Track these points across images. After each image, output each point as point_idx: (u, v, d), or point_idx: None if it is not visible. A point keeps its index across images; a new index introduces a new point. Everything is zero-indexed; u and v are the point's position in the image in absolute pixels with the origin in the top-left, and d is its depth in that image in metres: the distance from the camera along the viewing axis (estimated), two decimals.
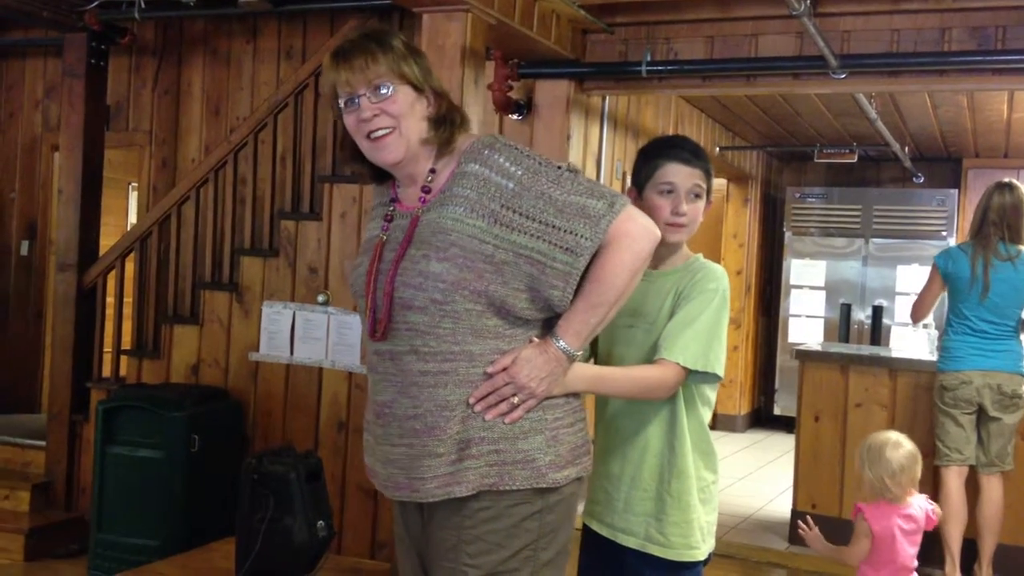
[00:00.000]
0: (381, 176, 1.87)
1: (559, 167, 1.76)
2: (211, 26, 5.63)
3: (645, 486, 2.03)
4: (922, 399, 4.53)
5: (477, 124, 3.85)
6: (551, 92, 4.69)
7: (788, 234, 8.24)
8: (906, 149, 7.28)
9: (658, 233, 1.78)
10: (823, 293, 8.10)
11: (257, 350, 4.63)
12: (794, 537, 4.37)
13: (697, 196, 2.06)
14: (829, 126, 7.14)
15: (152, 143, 5.82)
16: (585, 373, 1.85)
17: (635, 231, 1.74)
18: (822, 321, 8.08)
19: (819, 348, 5.30)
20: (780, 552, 4.54)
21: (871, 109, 5.61)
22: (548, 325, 1.79)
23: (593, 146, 5.09)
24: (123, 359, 5.09)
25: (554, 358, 1.74)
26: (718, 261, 7.97)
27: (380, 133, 1.75)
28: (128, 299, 5.13)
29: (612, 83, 4.71)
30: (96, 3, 4.99)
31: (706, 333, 1.94)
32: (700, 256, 2.10)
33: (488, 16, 3.81)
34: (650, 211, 2.02)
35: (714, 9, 4.38)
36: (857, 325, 7.98)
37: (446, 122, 1.79)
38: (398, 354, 1.74)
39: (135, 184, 6.57)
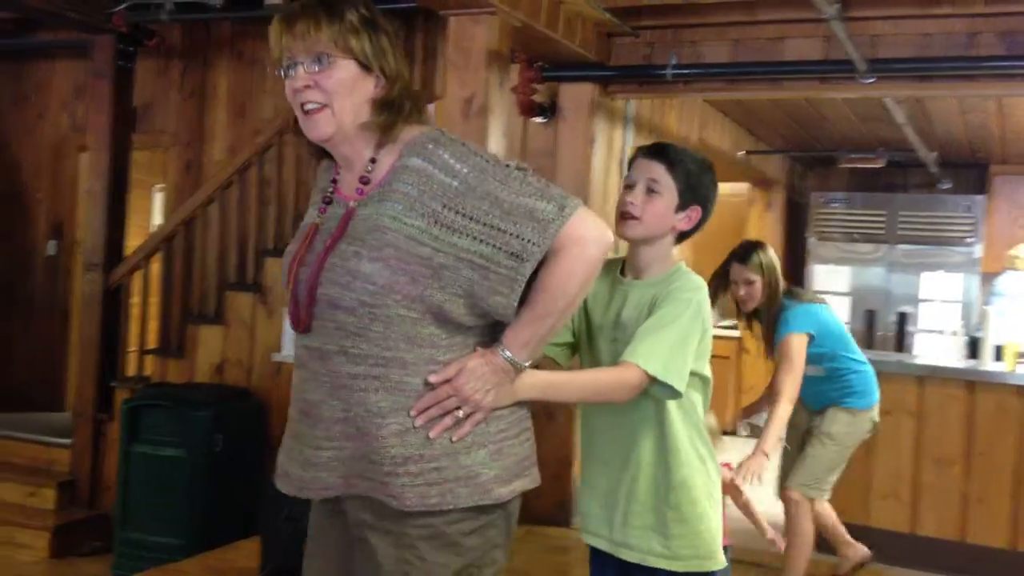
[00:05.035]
0: (324, 150, 1.73)
1: (507, 165, 1.63)
2: (237, 29, 5.67)
3: (642, 499, 1.97)
4: (950, 407, 4.49)
5: (502, 127, 3.84)
6: (575, 95, 4.69)
7: (812, 239, 8.18)
8: (933, 154, 7.22)
9: (611, 239, 1.66)
10: (848, 299, 8.04)
11: (280, 351, 4.65)
12: (820, 545, 4.32)
13: (653, 191, 1.97)
14: (855, 130, 7.09)
15: (178, 145, 5.86)
16: (534, 380, 1.72)
17: (587, 236, 1.61)
18: (846, 328, 8.01)
19: None
20: None
21: (899, 114, 5.57)
22: (492, 333, 1.67)
23: (617, 150, 5.07)
24: (148, 359, 5.13)
25: (500, 369, 1.63)
26: None
27: (311, 107, 1.62)
28: (153, 299, 5.16)
29: (636, 86, 4.69)
30: (124, 5, 5.05)
31: (671, 342, 1.86)
32: (682, 265, 2.03)
33: (514, 19, 3.81)
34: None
35: (740, 12, 4.37)
36: (882, 332, 7.92)
37: (392, 108, 1.65)
38: (328, 353, 1.62)
39: (160, 185, 6.62)
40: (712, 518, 1.99)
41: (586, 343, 2.08)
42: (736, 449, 3.88)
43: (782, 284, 3.47)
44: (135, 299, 5.19)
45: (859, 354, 3.69)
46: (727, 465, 3.04)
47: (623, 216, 1.99)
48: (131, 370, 5.18)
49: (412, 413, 1.60)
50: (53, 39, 6.05)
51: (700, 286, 1.96)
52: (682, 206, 1.99)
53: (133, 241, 5.50)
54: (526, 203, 1.58)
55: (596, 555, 2.10)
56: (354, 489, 1.65)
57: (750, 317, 3.58)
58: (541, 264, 1.60)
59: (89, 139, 5.33)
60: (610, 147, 4.99)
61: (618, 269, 2.06)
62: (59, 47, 6.08)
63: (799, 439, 3.73)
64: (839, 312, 7.86)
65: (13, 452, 5.26)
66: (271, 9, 4.93)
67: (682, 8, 4.36)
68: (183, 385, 4.78)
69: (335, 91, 1.61)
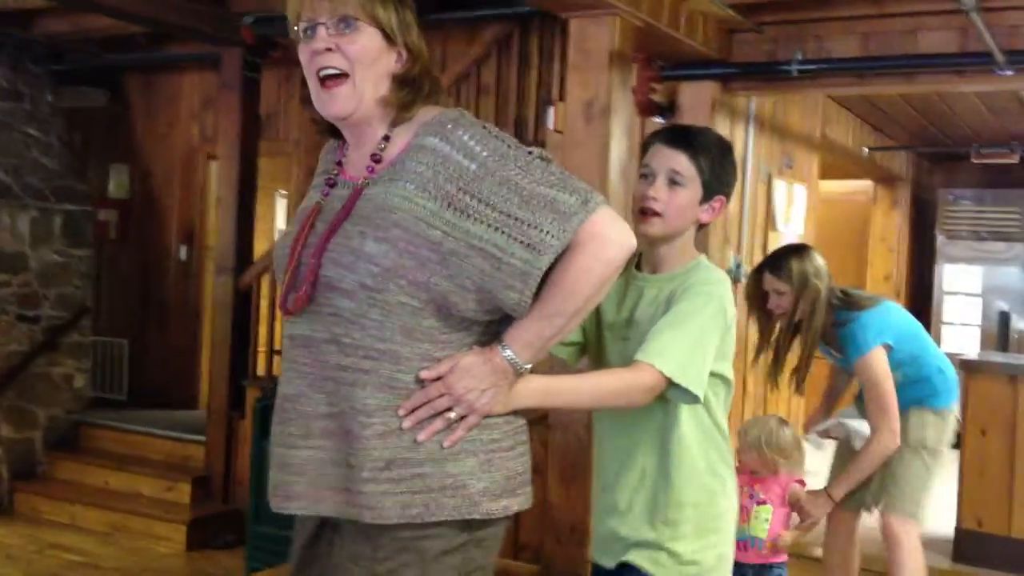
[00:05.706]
0: (335, 131, 1.63)
1: (530, 152, 1.52)
2: None
3: (638, 514, 1.81)
4: None
5: (624, 128, 3.82)
6: (696, 94, 4.61)
7: (940, 238, 7.87)
8: None
9: (634, 242, 1.53)
10: (979, 300, 7.70)
11: None
12: (958, 555, 4.17)
13: (676, 183, 1.81)
14: (985, 124, 6.78)
15: (300, 151, 6.02)
16: (532, 386, 1.56)
17: (609, 235, 1.48)
18: (978, 329, 7.68)
19: (985, 358, 5.03)
20: (944, 570, 4.31)
21: None
22: (491, 333, 1.54)
23: (738, 148, 4.99)
24: (277, 359, 5.29)
25: (499, 369, 1.50)
26: (865, 266, 7.71)
27: (330, 72, 1.51)
28: None
29: (759, 83, 4.59)
30: (251, 19, 5.22)
31: (690, 340, 1.69)
32: (703, 259, 1.87)
33: (635, 19, 3.79)
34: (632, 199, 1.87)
35: (869, 5, 4.22)
36: (1017, 334, 7.54)
37: (413, 86, 1.55)
38: (316, 341, 1.50)
39: (283, 191, 6.83)
40: (716, 541, 1.81)
41: (595, 342, 1.92)
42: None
43: (822, 296, 2.98)
44: (264, 301, 5.37)
45: (937, 350, 3.28)
46: (800, 481, 2.87)
47: (643, 212, 1.83)
48: (261, 369, 5.36)
49: (400, 412, 1.47)
50: (182, 53, 6.29)
51: (721, 280, 1.81)
52: (706, 197, 1.84)
53: (260, 245, 5.68)
54: (547, 193, 1.47)
55: (599, 573, 1.92)
56: (321, 506, 1.52)
57: (791, 333, 3.07)
58: (557, 260, 1.48)
59: (219, 148, 5.54)
60: (732, 145, 4.90)
61: (634, 263, 1.90)
62: (189, 60, 6.32)
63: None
64: (970, 313, 7.65)
65: (151, 448, 5.52)
66: None
67: (808, 2, 4.24)
68: None
69: (358, 59, 1.51)
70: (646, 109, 4.59)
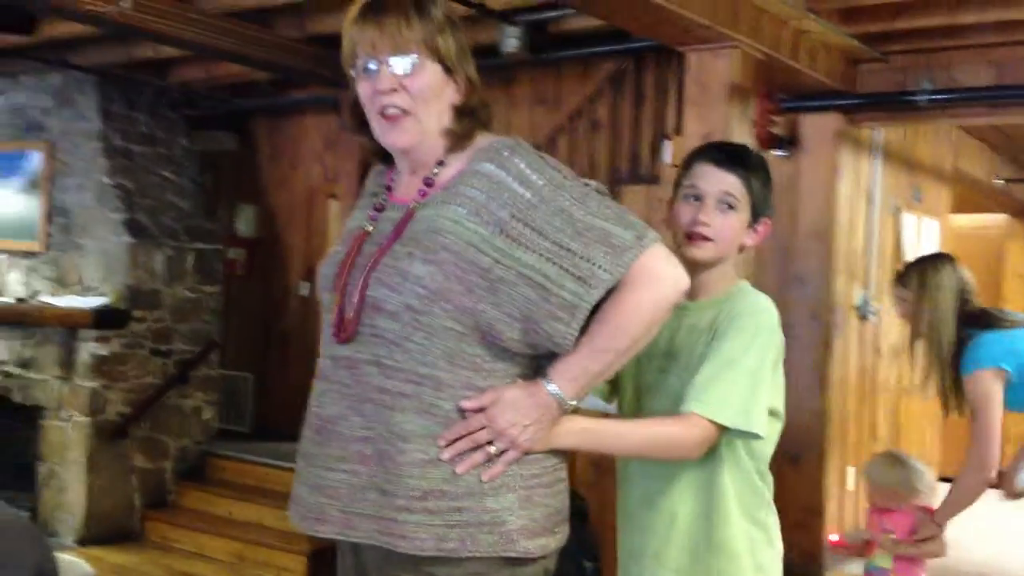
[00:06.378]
0: (386, 155, 1.60)
1: (587, 184, 1.50)
2: None
3: (673, 565, 1.70)
4: None
5: None
6: (818, 126, 4.52)
7: None
8: None
9: (687, 283, 1.49)
10: None
11: None
12: None
13: (729, 207, 1.72)
14: None
15: None
16: (574, 426, 1.51)
17: (663, 273, 1.45)
18: None
19: None
20: None
21: None
22: (534, 368, 1.50)
23: (864, 181, 4.84)
24: None
25: (543, 404, 1.45)
26: (997, 303, 7.34)
27: (394, 112, 1.48)
28: None
29: (886, 114, 4.47)
30: None
31: (747, 381, 1.61)
32: (745, 283, 1.77)
33: (755, 51, 3.74)
34: (673, 220, 1.76)
35: (999, 33, 4.08)
36: None
37: (472, 115, 1.53)
38: (358, 362, 1.47)
39: None
40: None
41: (631, 371, 1.80)
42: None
43: (945, 308, 2.78)
44: None
45: None
46: (927, 508, 2.90)
47: (692, 237, 1.73)
48: None
49: (440, 443, 1.43)
50: (306, 96, 6.51)
51: (767, 307, 1.70)
52: (754, 220, 1.76)
53: None
54: (602, 226, 1.44)
55: None
56: (352, 532, 1.48)
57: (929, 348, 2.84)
58: (608, 295, 1.44)
59: (339, 187, 5.70)
60: (857, 178, 4.77)
61: None
62: (310, 103, 6.53)
63: None
64: None
65: (274, 480, 5.64)
66: (508, 57, 5.07)
67: (936, 31, 4.11)
68: None
69: (422, 96, 1.49)
70: (766, 142, 4.51)
